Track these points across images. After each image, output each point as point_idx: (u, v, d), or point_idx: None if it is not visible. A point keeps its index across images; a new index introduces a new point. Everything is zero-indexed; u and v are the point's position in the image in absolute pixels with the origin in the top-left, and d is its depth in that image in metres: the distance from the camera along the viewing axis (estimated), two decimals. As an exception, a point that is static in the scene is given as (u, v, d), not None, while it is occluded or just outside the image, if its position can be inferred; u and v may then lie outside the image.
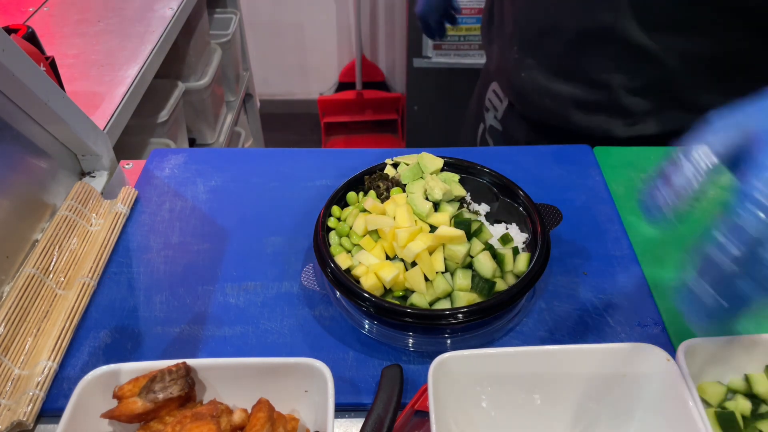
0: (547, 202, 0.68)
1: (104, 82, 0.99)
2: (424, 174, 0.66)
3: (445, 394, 0.47)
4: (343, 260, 0.59)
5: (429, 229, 0.60)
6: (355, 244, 0.62)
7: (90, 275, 0.65)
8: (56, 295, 0.65)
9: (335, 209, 0.64)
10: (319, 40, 2.60)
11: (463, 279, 0.58)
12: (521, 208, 0.65)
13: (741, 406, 0.50)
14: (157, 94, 1.25)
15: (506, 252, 0.60)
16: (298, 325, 0.61)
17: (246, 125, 1.96)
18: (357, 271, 0.59)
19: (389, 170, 0.68)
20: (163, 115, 1.22)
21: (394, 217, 0.60)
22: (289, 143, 2.66)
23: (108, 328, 0.61)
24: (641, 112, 0.84)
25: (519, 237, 0.64)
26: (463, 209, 0.65)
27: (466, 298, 0.57)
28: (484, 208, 0.67)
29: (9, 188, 0.68)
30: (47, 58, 0.81)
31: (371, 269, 0.58)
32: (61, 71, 0.87)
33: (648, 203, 0.43)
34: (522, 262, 0.59)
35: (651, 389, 0.49)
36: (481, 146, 1.06)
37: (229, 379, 0.49)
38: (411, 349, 0.59)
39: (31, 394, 0.54)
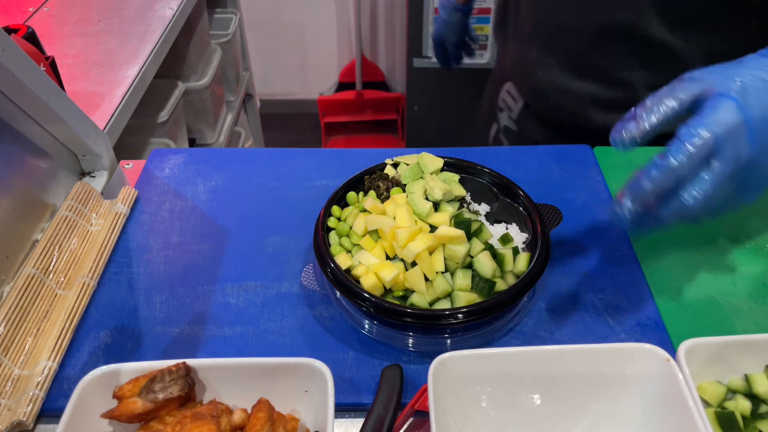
0: (547, 202, 0.68)
1: (104, 82, 0.99)
2: (424, 174, 0.66)
3: (445, 394, 0.47)
4: (343, 260, 0.59)
5: (429, 229, 0.60)
6: (355, 244, 0.62)
7: (90, 275, 0.65)
8: (56, 295, 0.65)
9: (335, 209, 0.64)
10: (319, 40, 2.60)
11: (463, 279, 0.58)
12: (521, 208, 0.65)
13: (741, 406, 0.50)
14: (157, 94, 1.25)
15: (506, 252, 0.60)
16: (298, 325, 0.61)
17: (246, 125, 1.96)
18: (357, 271, 0.59)
19: (389, 170, 0.68)
20: (163, 115, 1.22)
21: (394, 217, 0.60)
22: (289, 143, 2.66)
23: (108, 328, 0.61)
24: None
25: (519, 237, 0.64)
26: (463, 209, 0.65)
27: (466, 298, 0.57)
28: (484, 208, 0.67)
29: (9, 188, 0.68)
30: (47, 58, 0.81)
31: (371, 269, 0.58)
32: (61, 71, 0.87)
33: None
34: (522, 262, 0.59)
35: (651, 389, 0.49)
36: (494, 146, 1.05)
37: (229, 379, 0.49)
38: (411, 349, 0.59)
39: (31, 394, 0.54)
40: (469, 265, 0.59)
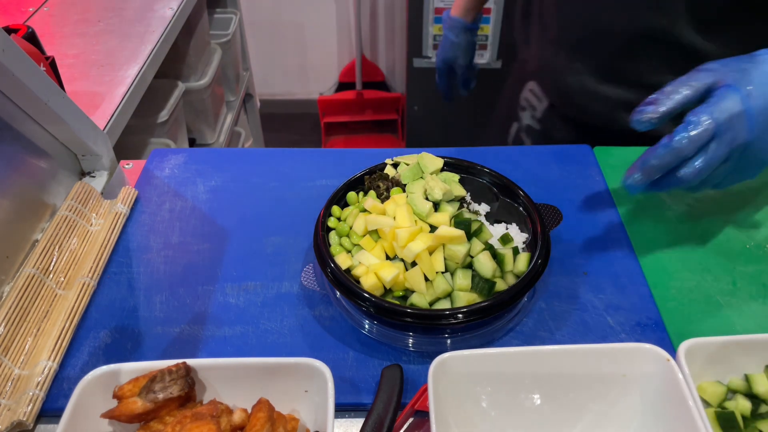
0: (547, 202, 0.68)
1: (104, 82, 0.99)
2: (424, 174, 0.66)
3: (445, 394, 0.47)
4: (343, 260, 0.59)
5: (429, 229, 0.60)
6: (355, 244, 0.62)
7: (90, 275, 0.65)
8: (56, 295, 0.65)
9: (335, 209, 0.64)
10: (319, 40, 2.60)
11: (463, 279, 0.58)
12: (521, 208, 0.65)
13: (741, 406, 0.50)
14: (157, 94, 1.25)
15: (506, 252, 0.60)
16: (298, 325, 0.61)
17: (246, 125, 1.96)
18: (357, 271, 0.59)
19: (389, 170, 0.68)
20: (163, 115, 1.22)
21: (394, 217, 0.60)
22: (289, 143, 2.66)
23: (108, 328, 0.61)
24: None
25: (519, 237, 0.64)
26: (463, 209, 0.65)
27: (466, 298, 0.57)
28: (484, 208, 0.67)
29: (9, 188, 0.68)
30: (47, 58, 0.81)
31: (371, 269, 0.58)
32: (61, 71, 0.87)
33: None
34: (522, 262, 0.59)
35: (651, 389, 0.49)
36: (514, 145, 1.04)
37: (229, 379, 0.49)
38: (411, 349, 0.59)
39: (31, 394, 0.54)
40: (469, 265, 0.59)
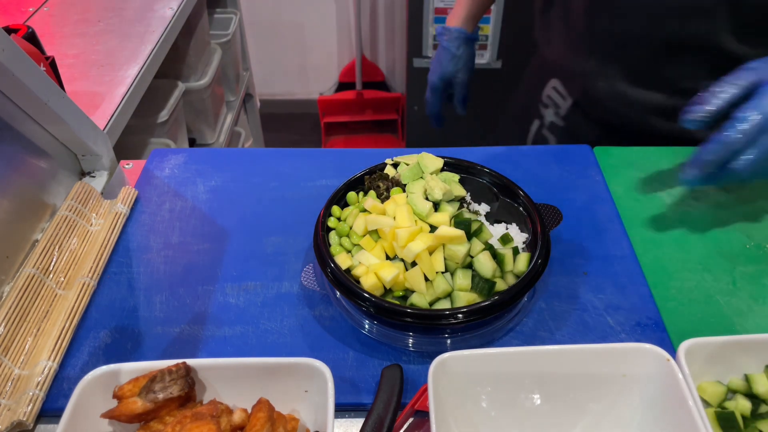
0: (547, 202, 0.68)
1: (104, 82, 0.99)
2: (424, 174, 0.66)
3: (445, 394, 0.47)
4: (343, 260, 0.59)
5: (429, 229, 0.60)
6: (355, 244, 0.62)
7: (90, 275, 0.65)
8: (56, 295, 0.65)
9: (335, 209, 0.64)
10: (319, 40, 2.60)
11: (463, 279, 0.58)
12: (521, 208, 0.65)
13: (741, 406, 0.50)
14: (157, 94, 1.25)
15: (506, 252, 0.60)
16: (298, 325, 0.61)
17: (246, 125, 1.96)
18: (357, 271, 0.59)
19: (389, 170, 0.68)
20: (163, 115, 1.22)
21: (394, 217, 0.60)
22: (289, 143, 2.66)
23: (108, 328, 0.61)
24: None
25: (519, 237, 0.64)
26: (463, 209, 0.65)
27: (466, 298, 0.57)
28: (484, 208, 0.67)
29: (9, 188, 0.68)
30: (47, 58, 0.81)
31: (371, 269, 0.58)
32: (61, 71, 0.87)
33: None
34: (522, 262, 0.59)
35: (651, 389, 0.49)
36: (535, 143, 1.03)
37: (229, 379, 0.49)
38: (411, 349, 0.59)
39: (31, 394, 0.54)
40: (469, 265, 0.59)
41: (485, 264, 0.58)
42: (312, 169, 0.81)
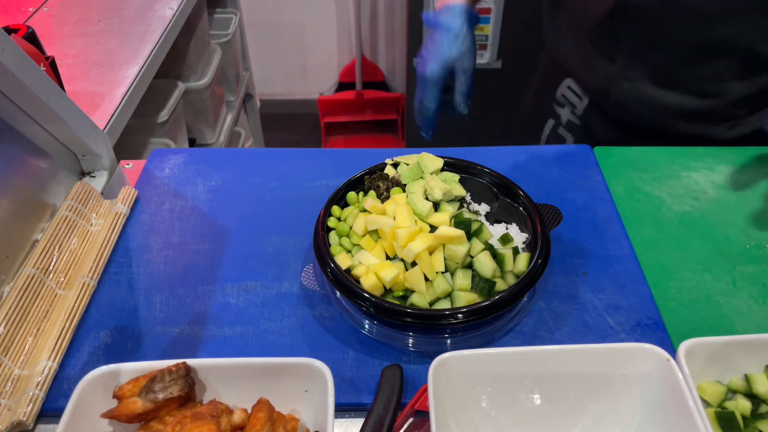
0: (547, 202, 0.68)
1: (104, 82, 0.99)
2: (424, 174, 0.66)
3: (445, 394, 0.47)
4: (343, 260, 0.59)
5: (429, 229, 0.60)
6: (355, 244, 0.62)
7: (90, 275, 0.65)
8: (56, 295, 0.65)
9: (335, 209, 0.64)
10: (319, 40, 2.60)
11: (463, 279, 0.58)
12: (521, 208, 0.65)
13: (741, 406, 0.50)
14: (157, 94, 1.25)
15: (506, 252, 0.60)
16: (298, 325, 0.61)
17: (246, 125, 1.96)
18: (357, 271, 0.59)
19: (389, 170, 0.68)
20: (163, 115, 1.22)
21: (394, 217, 0.60)
22: (289, 143, 2.66)
23: (108, 328, 0.61)
24: (745, 114, 0.83)
25: (519, 237, 0.64)
26: (463, 209, 0.65)
27: (466, 298, 0.57)
28: (484, 208, 0.67)
29: (9, 188, 0.68)
30: (47, 58, 0.81)
31: (371, 269, 0.58)
32: (61, 71, 0.87)
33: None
34: (522, 262, 0.59)
35: (651, 389, 0.49)
36: (549, 142, 1.02)
37: (229, 379, 0.49)
38: (411, 349, 0.59)
39: (31, 394, 0.54)
40: (469, 265, 0.59)
41: (485, 264, 0.58)
42: (312, 169, 0.81)
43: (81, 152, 0.81)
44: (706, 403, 0.52)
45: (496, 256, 0.60)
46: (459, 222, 0.60)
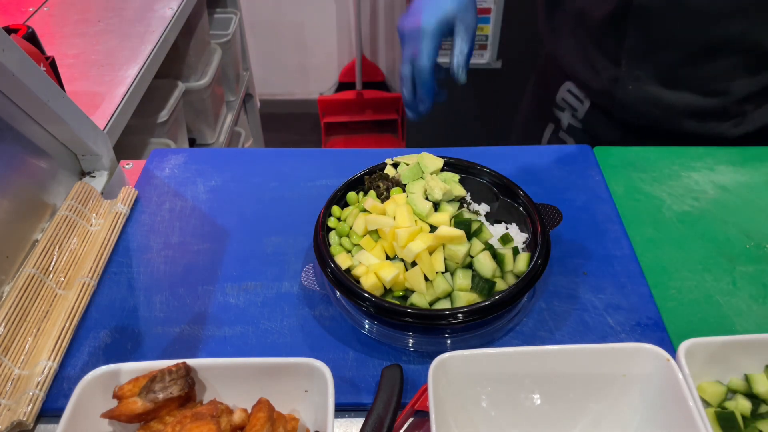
0: (547, 202, 0.68)
1: (104, 82, 0.99)
2: (424, 174, 0.66)
3: (445, 394, 0.47)
4: (343, 260, 0.59)
5: (429, 229, 0.60)
6: (355, 244, 0.62)
7: (90, 275, 0.65)
8: (56, 295, 0.65)
9: (335, 209, 0.64)
10: (319, 40, 2.60)
11: (463, 279, 0.58)
12: (521, 208, 0.65)
13: (741, 406, 0.50)
14: (157, 94, 1.25)
15: (506, 252, 0.60)
16: (298, 325, 0.61)
17: (246, 125, 1.96)
18: (357, 271, 0.59)
19: (389, 170, 0.68)
20: (163, 115, 1.22)
21: (394, 217, 0.60)
22: (289, 143, 2.66)
23: (108, 328, 0.61)
24: (752, 110, 0.83)
25: (519, 237, 0.64)
26: (463, 209, 0.65)
27: (466, 298, 0.57)
28: (484, 208, 0.67)
29: (9, 188, 0.68)
30: (47, 58, 0.81)
31: (371, 269, 0.58)
32: (61, 71, 0.87)
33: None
34: (522, 262, 0.59)
35: (651, 389, 0.49)
36: (551, 145, 1.01)
37: (229, 379, 0.49)
38: (411, 349, 0.59)
39: (31, 394, 0.54)
40: (469, 265, 0.59)
41: (485, 264, 0.58)
42: (312, 169, 0.81)
43: (81, 152, 0.81)
44: (706, 403, 0.52)
45: (496, 256, 0.60)
46: (459, 222, 0.60)
